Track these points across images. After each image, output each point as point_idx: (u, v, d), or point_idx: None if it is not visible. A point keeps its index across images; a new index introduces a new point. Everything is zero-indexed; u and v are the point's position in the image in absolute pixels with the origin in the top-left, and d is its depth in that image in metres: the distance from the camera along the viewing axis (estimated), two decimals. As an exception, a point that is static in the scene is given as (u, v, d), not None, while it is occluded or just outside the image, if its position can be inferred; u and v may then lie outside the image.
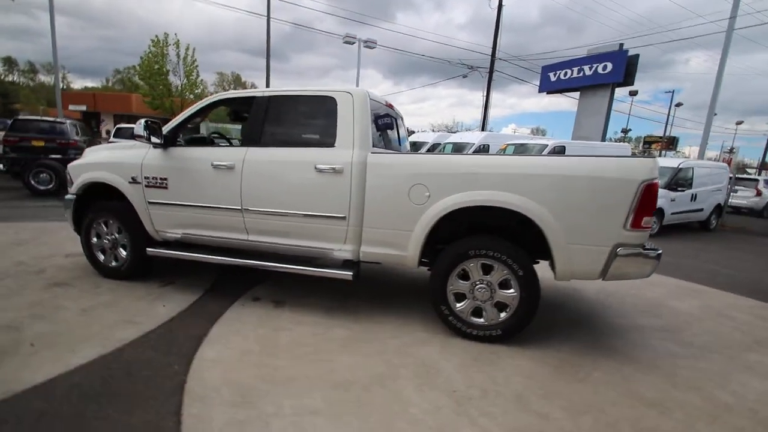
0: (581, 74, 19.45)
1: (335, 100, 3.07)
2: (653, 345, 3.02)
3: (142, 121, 3.22)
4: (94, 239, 3.78)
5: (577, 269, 2.62)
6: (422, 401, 2.12)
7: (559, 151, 10.80)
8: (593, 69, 18.85)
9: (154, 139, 3.28)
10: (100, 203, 3.71)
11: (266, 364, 2.42)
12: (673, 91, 41.62)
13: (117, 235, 3.70)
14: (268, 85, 17.78)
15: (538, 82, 21.42)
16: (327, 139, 3.06)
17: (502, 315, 2.79)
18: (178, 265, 4.11)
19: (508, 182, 2.61)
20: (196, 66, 24.26)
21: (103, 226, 3.72)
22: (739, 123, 44.41)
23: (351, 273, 3.02)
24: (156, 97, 23.33)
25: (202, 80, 25.45)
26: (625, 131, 35.28)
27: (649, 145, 32.99)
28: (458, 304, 2.87)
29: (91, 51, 77.17)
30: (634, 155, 15.52)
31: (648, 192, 2.43)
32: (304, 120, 3.26)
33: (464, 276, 2.84)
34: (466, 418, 1.99)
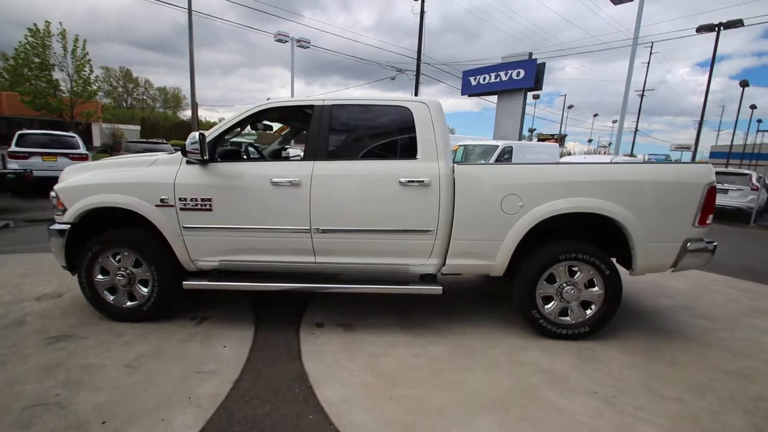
0: (498, 79, 21.18)
1: (410, 111, 2.95)
2: (689, 322, 3.48)
3: (196, 134, 2.73)
4: (99, 277, 3.10)
5: (653, 264, 2.91)
6: (578, 407, 2.18)
7: (508, 151, 11.68)
8: (508, 75, 20.66)
9: (195, 155, 2.80)
10: (111, 233, 3.05)
11: (403, 396, 2.25)
12: (565, 95, 47.61)
13: (133, 270, 3.08)
14: (192, 83, 16.07)
15: (458, 85, 22.89)
16: (407, 152, 2.94)
17: (588, 312, 2.97)
18: (195, 297, 3.57)
19: (601, 190, 2.80)
20: (89, 60, 20.97)
21: (112, 259, 3.07)
22: (614, 121, 52.55)
23: (440, 287, 2.95)
24: (37, 95, 19.60)
25: (97, 76, 22.16)
26: (531, 131, 39.45)
27: (544, 142, 37.48)
28: (546, 307, 2.98)
29: None
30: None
31: (711, 193, 2.80)
32: (375, 131, 3.07)
33: (550, 279, 2.96)
34: (629, 417, 2.10)
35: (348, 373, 2.49)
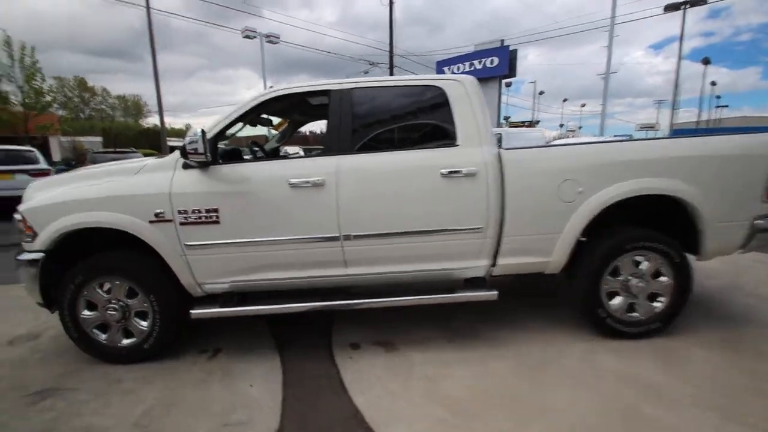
0: (472, 68, 20.92)
1: (443, 90, 2.55)
2: (746, 303, 3.25)
3: (198, 130, 2.23)
4: (86, 313, 2.56)
5: (724, 246, 2.63)
6: (695, 423, 1.85)
7: (498, 139, 11.50)
8: (482, 63, 20.45)
9: (197, 157, 2.30)
10: (96, 259, 2.52)
11: (489, 429, 1.86)
12: (535, 81, 48.25)
13: (127, 301, 2.56)
14: (158, 89, 15.05)
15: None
16: (444, 138, 2.54)
17: (657, 305, 2.66)
18: (201, 325, 3.07)
19: (668, 167, 2.48)
20: (39, 69, 19.44)
21: (100, 291, 2.55)
22: (583, 105, 53.77)
23: (495, 292, 2.57)
24: (-16, 109, 18.04)
25: (51, 86, 20.60)
26: (506, 119, 39.75)
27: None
28: (612, 303, 2.66)
29: None
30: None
31: (779, 164, 2.53)
32: (405, 117, 2.65)
33: (614, 272, 2.64)
34: (749, 429, 1.79)
35: (409, 404, 2.09)
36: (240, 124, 2.86)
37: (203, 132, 2.27)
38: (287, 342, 2.84)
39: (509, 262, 2.60)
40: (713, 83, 41.03)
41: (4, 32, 18.39)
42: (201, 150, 2.25)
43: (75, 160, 16.16)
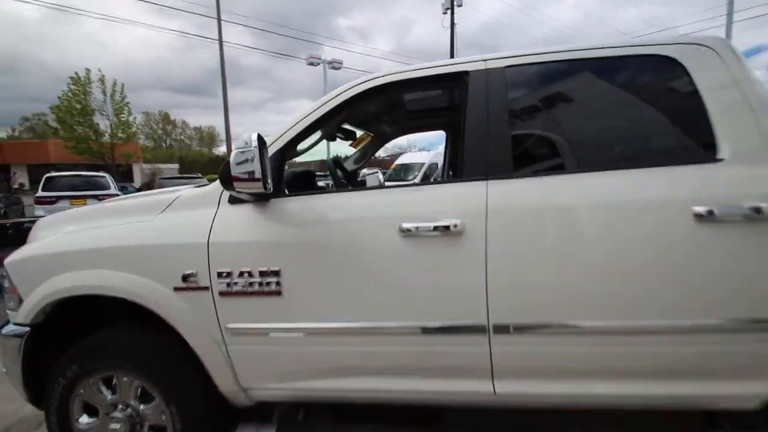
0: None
1: (680, 64, 1.40)
2: None
3: (253, 136, 1.29)
4: (83, 420, 1.67)
5: None
6: None
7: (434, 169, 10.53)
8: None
9: (250, 186, 1.34)
10: (96, 340, 1.63)
11: None
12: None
13: (139, 406, 1.63)
14: (226, 116, 15.15)
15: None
16: (690, 148, 1.38)
17: None
18: None
19: None
20: (127, 103, 21.15)
21: (103, 388, 1.65)
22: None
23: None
24: (79, 140, 19.77)
25: (134, 118, 22.29)
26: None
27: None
28: None
29: (-15, 101, 67.38)
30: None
31: None
32: (602, 112, 1.53)
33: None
34: None
35: None
36: (316, 135, 1.92)
37: (261, 140, 1.32)
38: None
39: None
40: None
41: (99, 72, 20.36)
42: (258, 173, 1.29)
43: (147, 185, 16.91)
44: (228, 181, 1.35)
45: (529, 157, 1.47)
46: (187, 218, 1.55)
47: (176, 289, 1.49)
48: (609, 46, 1.49)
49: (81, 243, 1.63)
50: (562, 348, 1.35)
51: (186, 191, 1.67)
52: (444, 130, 3.06)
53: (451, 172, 2.20)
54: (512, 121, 1.46)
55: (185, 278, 1.48)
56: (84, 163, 23.52)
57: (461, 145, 1.46)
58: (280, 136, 1.55)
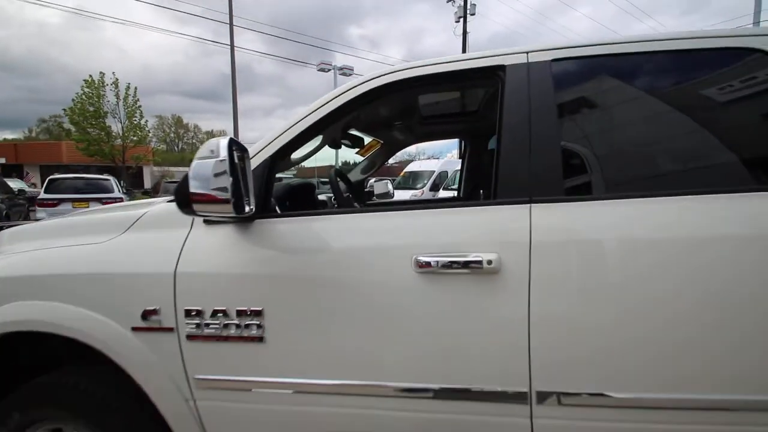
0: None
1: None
2: None
3: (224, 141, 1.00)
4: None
5: None
6: None
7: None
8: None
9: (218, 208, 1.04)
10: (42, 385, 1.34)
11: None
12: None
13: (91, 467, 1.33)
14: (236, 129, 14.85)
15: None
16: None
17: None
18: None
19: None
20: (139, 107, 21.27)
21: (50, 441, 1.35)
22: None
23: None
24: (91, 142, 19.86)
25: (146, 121, 22.36)
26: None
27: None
28: None
29: (8, 102, 69.04)
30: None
31: None
32: (677, 119, 1.19)
33: None
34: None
35: None
36: (315, 142, 1.62)
37: (236, 147, 1.02)
38: None
39: None
40: None
41: (113, 75, 20.51)
42: (228, 191, 0.99)
43: (153, 189, 16.86)
44: (185, 203, 1.05)
45: (584, 173, 1.15)
46: (151, 241, 1.26)
47: (134, 329, 1.19)
48: (681, 36, 1.17)
49: (38, 263, 1.35)
50: (633, 427, 1.02)
51: (156, 206, 1.37)
52: (462, 138, 2.76)
53: (470, 189, 1.88)
54: (562, 128, 1.14)
55: (145, 316, 1.18)
56: (96, 165, 23.73)
57: (496, 156, 1.15)
58: (269, 144, 1.25)
